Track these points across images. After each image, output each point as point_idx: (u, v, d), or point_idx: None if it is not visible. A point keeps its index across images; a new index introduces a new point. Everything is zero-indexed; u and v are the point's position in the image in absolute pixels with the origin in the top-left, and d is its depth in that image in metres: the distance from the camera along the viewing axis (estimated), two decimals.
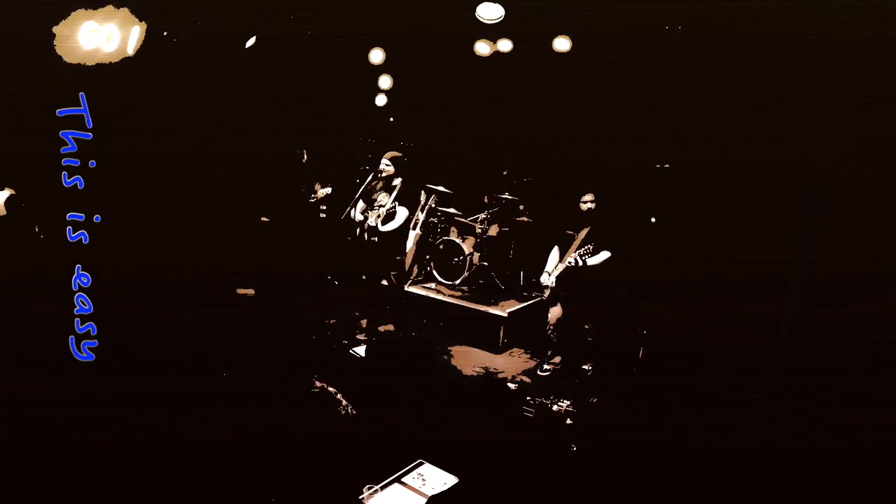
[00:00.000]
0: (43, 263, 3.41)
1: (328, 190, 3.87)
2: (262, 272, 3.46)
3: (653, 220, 3.47)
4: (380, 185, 4.09)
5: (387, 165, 3.99)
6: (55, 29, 3.39)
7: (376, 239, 4.14)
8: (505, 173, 4.10)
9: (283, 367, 3.47)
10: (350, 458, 3.41)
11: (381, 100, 3.57)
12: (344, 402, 3.52)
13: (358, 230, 4.10)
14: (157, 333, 3.42)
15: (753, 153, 3.37)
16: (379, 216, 4.11)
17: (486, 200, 4.34)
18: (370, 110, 3.55)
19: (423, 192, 4.25)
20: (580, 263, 3.71)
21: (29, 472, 3.38)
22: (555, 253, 3.80)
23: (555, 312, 3.76)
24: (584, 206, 3.76)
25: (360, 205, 4.07)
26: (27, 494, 3.36)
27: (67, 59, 3.39)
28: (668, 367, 3.39)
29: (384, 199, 4.13)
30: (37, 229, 3.40)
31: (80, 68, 3.41)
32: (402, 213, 4.17)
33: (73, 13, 3.40)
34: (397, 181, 4.09)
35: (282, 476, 3.40)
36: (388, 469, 3.38)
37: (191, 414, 3.43)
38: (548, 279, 3.81)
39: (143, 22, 3.41)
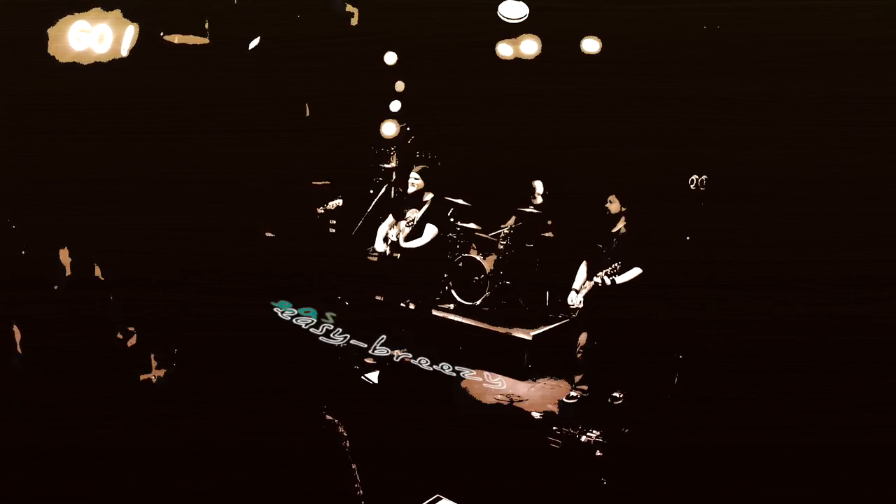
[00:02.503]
0: (43, 263, 3.41)
1: (339, 202, 3.71)
2: (262, 272, 3.46)
3: (687, 238, 3.42)
4: (409, 199, 3.90)
5: (416, 179, 3.83)
6: (50, 30, 3.40)
7: (398, 256, 3.90)
8: (536, 184, 3.88)
9: (283, 368, 3.47)
10: (350, 458, 3.41)
11: (395, 105, 3.50)
12: (345, 434, 3.45)
13: (381, 247, 3.87)
14: (157, 333, 3.42)
15: (753, 153, 3.37)
16: (400, 231, 3.86)
17: (512, 219, 3.95)
18: (379, 115, 3.49)
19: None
20: (608, 283, 3.53)
21: (29, 472, 3.37)
22: (582, 269, 3.60)
23: (585, 334, 3.59)
24: (611, 207, 3.60)
25: (390, 220, 3.87)
26: (27, 494, 3.36)
27: (63, 58, 3.39)
28: (668, 367, 3.38)
29: (413, 215, 3.89)
30: (22, 251, 3.40)
31: (77, 68, 3.41)
32: (430, 230, 3.91)
33: (85, 11, 3.41)
34: (428, 196, 3.88)
35: (282, 476, 3.40)
36: (388, 469, 3.38)
37: (191, 414, 3.43)
38: (576, 298, 3.60)
39: (140, 23, 3.42)
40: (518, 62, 3.41)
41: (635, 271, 3.51)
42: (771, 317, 3.36)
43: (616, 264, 3.52)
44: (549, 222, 3.84)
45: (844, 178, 3.34)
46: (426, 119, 3.51)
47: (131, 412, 3.41)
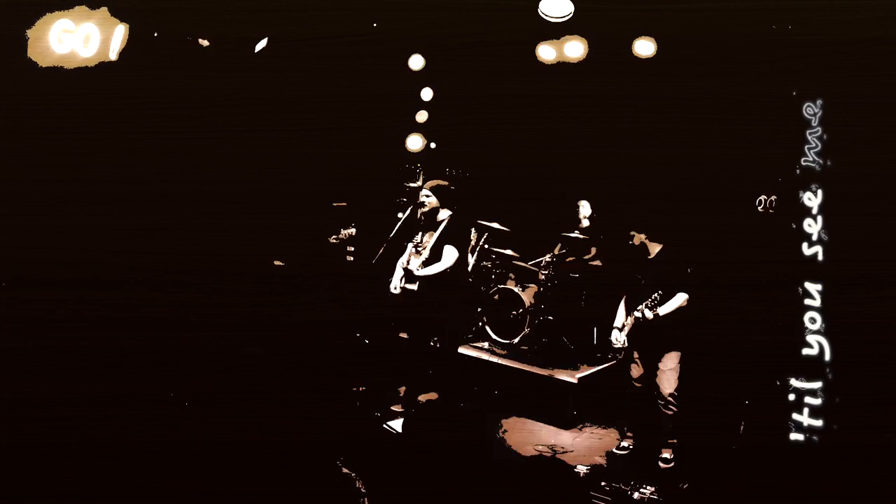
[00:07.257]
0: (43, 263, 3.41)
1: (352, 231, 3.39)
2: (262, 273, 3.45)
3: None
4: (421, 221, 3.53)
5: (427, 197, 3.46)
6: (30, 31, 3.40)
7: (415, 287, 3.50)
8: (583, 204, 3.50)
9: (283, 367, 3.47)
10: (350, 458, 3.41)
11: (421, 116, 3.34)
12: (362, 489, 3.34)
13: (397, 279, 3.48)
14: (158, 333, 3.42)
15: (754, 153, 3.37)
16: (418, 255, 3.49)
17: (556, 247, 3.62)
18: (404, 127, 3.35)
19: (473, 230, 3.58)
20: (650, 317, 3.30)
21: (29, 472, 3.37)
22: (622, 306, 3.32)
23: (636, 373, 3.36)
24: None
25: (409, 248, 3.48)
26: (27, 494, 3.36)
27: (45, 62, 3.40)
28: (733, 411, 3.35)
29: (428, 239, 3.53)
30: (3, 284, 3.40)
31: (76, 68, 3.41)
32: (450, 253, 3.52)
33: (75, 8, 3.41)
34: (443, 214, 3.50)
35: (282, 476, 3.40)
36: (390, 470, 3.38)
37: (190, 414, 3.43)
38: (619, 337, 3.33)
39: (130, 23, 3.42)
40: (561, 65, 3.36)
41: (680, 298, 3.33)
42: (771, 317, 3.36)
43: (655, 295, 3.31)
44: (594, 250, 3.51)
45: (845, 177, 3.34)
46: (455, 132, 3.40)
47: (131, 412, 3.41)
